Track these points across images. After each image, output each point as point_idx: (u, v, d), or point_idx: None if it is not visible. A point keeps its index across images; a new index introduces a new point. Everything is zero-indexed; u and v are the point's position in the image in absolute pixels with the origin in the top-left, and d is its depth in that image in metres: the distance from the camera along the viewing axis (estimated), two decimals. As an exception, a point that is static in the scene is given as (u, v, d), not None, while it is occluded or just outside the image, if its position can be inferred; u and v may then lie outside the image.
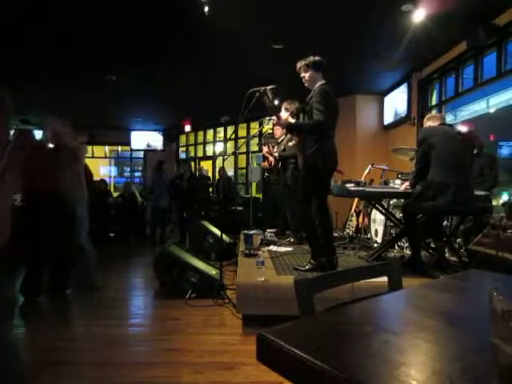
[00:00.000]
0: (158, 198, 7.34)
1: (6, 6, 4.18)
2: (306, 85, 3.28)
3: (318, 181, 3.21)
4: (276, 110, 3.28)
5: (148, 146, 12.05)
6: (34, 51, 5.56)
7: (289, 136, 4.69)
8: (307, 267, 3.29)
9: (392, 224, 4.39)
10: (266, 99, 3.27)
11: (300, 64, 3.26)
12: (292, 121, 4.08)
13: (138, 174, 13.33)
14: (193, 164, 11.57)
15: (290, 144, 4.74)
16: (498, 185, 4.24)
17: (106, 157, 12.99)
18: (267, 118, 4.65)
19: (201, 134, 11.79)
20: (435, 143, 3.14)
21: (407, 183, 3.50)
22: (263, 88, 3.27)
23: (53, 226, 3.58)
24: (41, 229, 3.55)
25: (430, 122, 3.39)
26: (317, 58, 3.23)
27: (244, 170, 10.68)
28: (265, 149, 5.19)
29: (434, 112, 6.06)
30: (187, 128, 11.08)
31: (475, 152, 4.21)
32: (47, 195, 3.55)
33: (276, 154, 4.93)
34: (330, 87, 3.18)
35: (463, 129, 4.59)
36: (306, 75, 3.23)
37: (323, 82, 3.21)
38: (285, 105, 4.42)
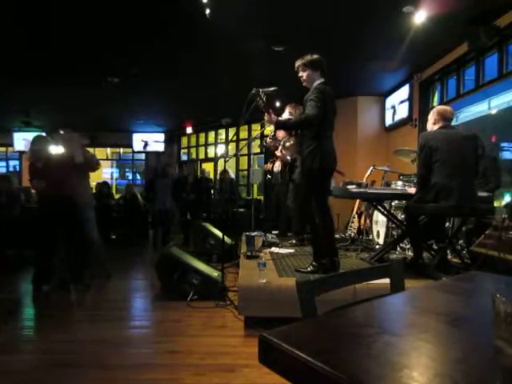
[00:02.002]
0: (163, 200, 7.33)
1: (6, 8, 4.20)
2: (304, 84, 3.25)
3: (315, 182, 3.17)
4: (268, 108, 3.18)
5: (143, 142, 12.02)
6: (35, 53, 5.59)
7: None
8: (309, 269, 3.28)
9: (394, 225, 4.38)
10: (259, 100, 3.21)
11: (298, 63, 3.23)
12: None
13: (139, 175, 13.36)
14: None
15: (287, 144, 4.71)
16: (500, 186, 4.22)
17: (107, 159, 13.03)
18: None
19: (202, 135, 11.82)
20: (437, 146, 3.12)
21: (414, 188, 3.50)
22: (255, 89, 3.21)
23: (67, 226, 4.16)
24: (55, 228, 4.11)
25: (432, 120, 3.34)
26: (315, 56, 3.19)
27: (245, 172, 10.69)
28: (278, 153, 5.02)
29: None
30: (189, 130, 11.10)
31: (479, 153, 4.20)
32: (63, 199, 4.09)
33: (289, 158, 4.83)
34: (329, 86, 3.15)
35: (465, 130, 4.58)
36: (303, 74, 3.21)
37: (321, 80, 3.18)
38: (289, 108, 4.36)
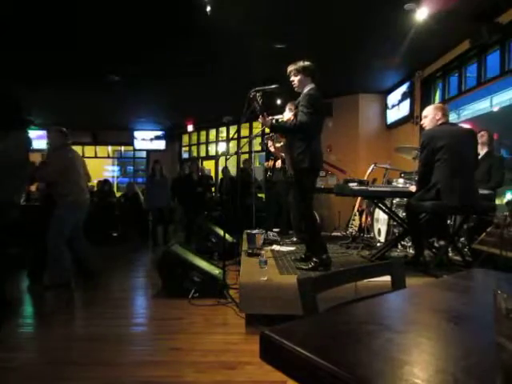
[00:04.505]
0: (154, 198, 7.31)
1: (7, 6, 4.20)
2: (295, 89, 3.37)
3: (303, 181, 3.29)
4: (264, 111, 3.31)
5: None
6: (36, 52, 5.58)
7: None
8: (310, 265, 3.30)
9: (395, 223, 4.38)
10: (255, 104, 3.30)
11: (290, 68, 3.33)
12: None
13: (141, 173, 13.37)
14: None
15: (278, 145, 4.74)
16: (502, 184, 4.21)
17: (108, 157, 13.02)
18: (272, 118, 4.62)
19: (203, 133, 11.81)
20: (440, 145, 3.10)
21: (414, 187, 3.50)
22: (252, 93, 3.30)
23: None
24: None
25: (433, 115, 3.32)
26: (307, 62, 3.31)
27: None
28: (272, 148, 5.08)
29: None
30: (190, 128, 11.09)
31: (486, 151, 4.19)
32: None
33: (283, 154, 4.87)
34: (319, 92, 3.27)
35: (467, 126, 4.56)
36: (295, 79, 3.32)
37: (312, 86, 3.30)
38: (289, 105, 4.41)
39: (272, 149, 5.11)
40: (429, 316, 0.87)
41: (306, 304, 0.98)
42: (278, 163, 5.30)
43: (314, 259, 3.30)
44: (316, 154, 3.29)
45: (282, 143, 4.51)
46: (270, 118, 3.43)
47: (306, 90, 3.28)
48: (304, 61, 3.31)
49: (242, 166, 7.60)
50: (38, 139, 11.42)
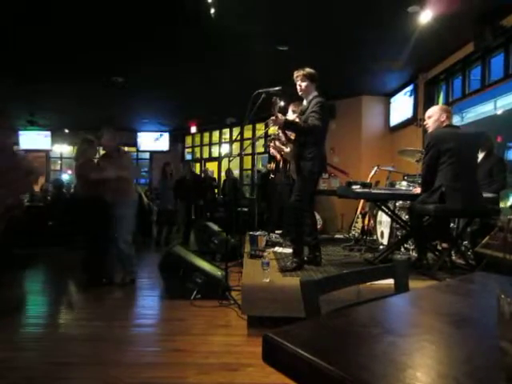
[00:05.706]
0: (166, 200, 7.37)
1: (10, 8, 4.23)
2: (300, 93, 3.52)
3: (312, 183, 3.49)
4: (277, 113, 3.42)
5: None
6: (39, 53, 5.62)
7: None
8: (293, 266, 3.41)
9: (398, 226, 4.36)
10: (276, 108, 3.38)
11: (298, 73, 3.47)
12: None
13: (144, 174, 13.37)
14: (198, 165, 11.61)
15: (287, 150, 4.73)
16: (506, 187, 4.19)
17: (112, 158, 13.04)
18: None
19: (206, 135, 11.84)
20: (446, 148, 3.08)
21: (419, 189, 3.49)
22: (274, 98, 3.42)
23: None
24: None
25: (438, 116, 3.30)
26: (312, 70, 3.48)
27: (249, 172, 10.69)
28: (272, 145, 5.05)
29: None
30: (193, 129, 11.12)
31: (485, 153, 4.17)
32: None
33: (287, 150, 4.86)
34: (324, 99, 3.43)
35: (470, 130, 4.55)
36: (302, 84, 3.47)
37: (316, 93, 3.46)
38: (292, 107, 4.44)
39: (274, 151, 5.08)
40: (432, 319, 0.87)
41: (308, 306, 0.98)
42: (279, 155, 5.26)
43: (295, 259, 3.43)
44: (324, 157, 3.54)
45: (288, 149, 4.52)
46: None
47: (310, 96, 3.44)
48: (310, 68, 3.47)
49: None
50: (42, 137, 11.52)
